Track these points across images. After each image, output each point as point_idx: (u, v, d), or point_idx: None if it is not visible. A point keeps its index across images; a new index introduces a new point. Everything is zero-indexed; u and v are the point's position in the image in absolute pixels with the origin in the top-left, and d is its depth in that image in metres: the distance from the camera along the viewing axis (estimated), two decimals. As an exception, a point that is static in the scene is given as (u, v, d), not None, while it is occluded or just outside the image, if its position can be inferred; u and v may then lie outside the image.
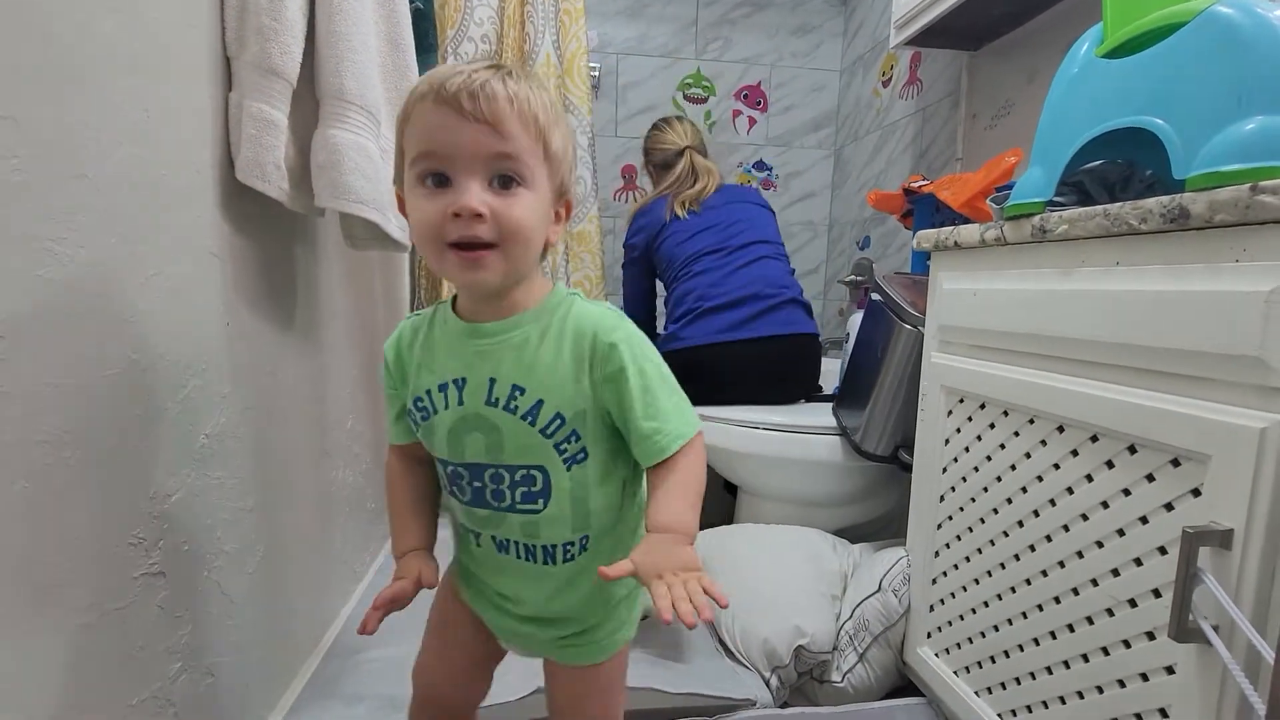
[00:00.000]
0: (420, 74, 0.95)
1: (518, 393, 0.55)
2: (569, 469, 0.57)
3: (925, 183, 1.38)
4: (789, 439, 1.31)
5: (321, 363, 1.02)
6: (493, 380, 0.55)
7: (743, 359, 1.49)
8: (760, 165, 2.44)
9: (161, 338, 0.62)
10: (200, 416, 0.68)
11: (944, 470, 0.91)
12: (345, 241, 0.94)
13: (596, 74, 2.22)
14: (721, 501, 1.73)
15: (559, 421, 0.55)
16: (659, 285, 1.74)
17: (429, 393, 0.58)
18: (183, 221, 0.65)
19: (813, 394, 1.62)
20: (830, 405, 1.38)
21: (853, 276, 2.17)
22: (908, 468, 1.08)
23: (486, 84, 0.49)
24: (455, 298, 0.60)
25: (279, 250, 0.87)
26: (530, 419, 0.55)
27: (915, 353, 1.06)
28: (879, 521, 1.44)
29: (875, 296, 1.17)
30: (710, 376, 1.48)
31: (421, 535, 0.65)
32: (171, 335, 0.63)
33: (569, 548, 0.59)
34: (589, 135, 1.64)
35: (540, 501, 0.57)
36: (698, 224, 1.54)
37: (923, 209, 1.42)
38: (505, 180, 0.51)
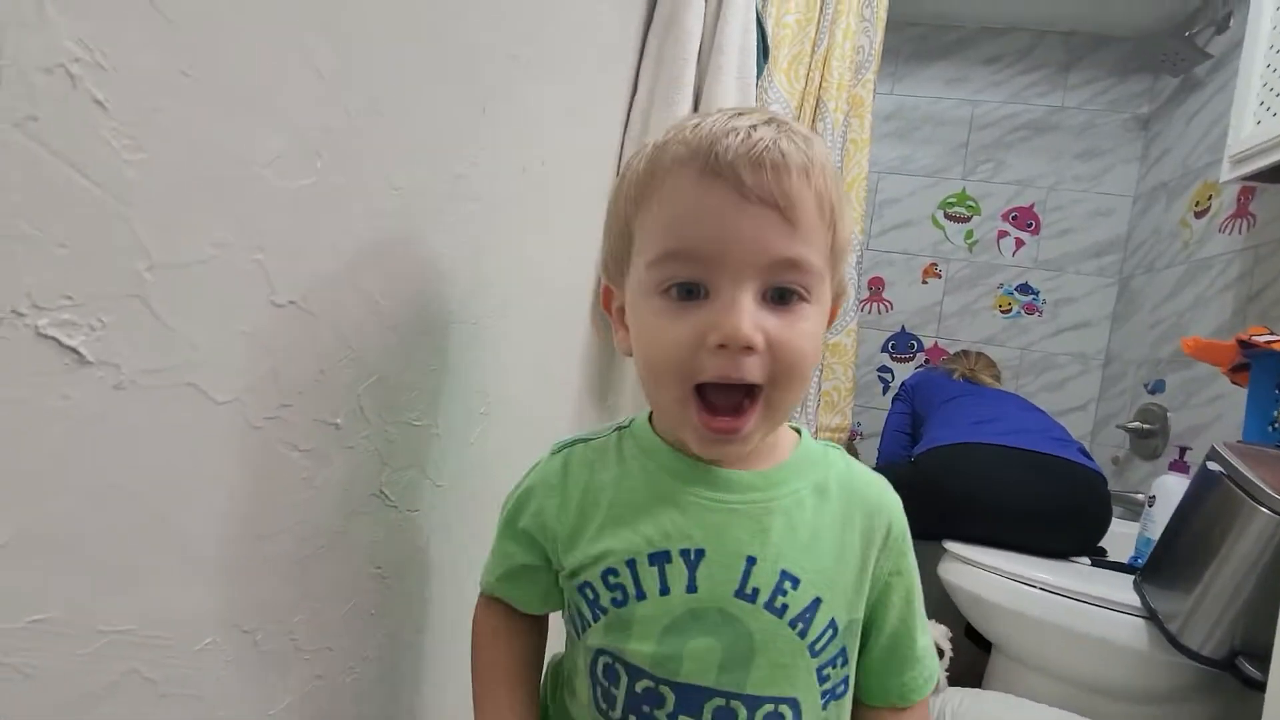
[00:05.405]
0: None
1: (788, 584, 0.37)
2: (825, 707, 0.39)
3: (1274, 338, 1.19)
4: (1074, 607, 1.16)
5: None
6: (751, 560, 0.37)
7: (1011, 473, 1.30)
8: (1024, 289, 2.29)
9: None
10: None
11: (1330, 706, 0.74)
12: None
13: (859, 191, 2.29)
14: (961, 650, 1.55)
15: (831, 633, 0.38)
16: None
17: (631, 565, 0.38)
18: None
19: (1096, 553, 1.42)
20: (1129, 577, 1.20)
21: (1138, 423, 1.90)
22: (1255, 684, 0.89)
23: (775, 146, 0.34)
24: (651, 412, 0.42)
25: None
26: (801, 627, 0.37)
27: (1276, 544, 0.89)
28: (1189, 734, 1.18)
29: (1213, 466, 1.02)
30: (971, 489, 1.28)
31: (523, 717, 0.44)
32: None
33: None
34: (858, 253, 1.69)
35: None
36: (967, 386, 1.63)
37: (1265, 368, 1.22)
38: (784, 294, 0.35)
